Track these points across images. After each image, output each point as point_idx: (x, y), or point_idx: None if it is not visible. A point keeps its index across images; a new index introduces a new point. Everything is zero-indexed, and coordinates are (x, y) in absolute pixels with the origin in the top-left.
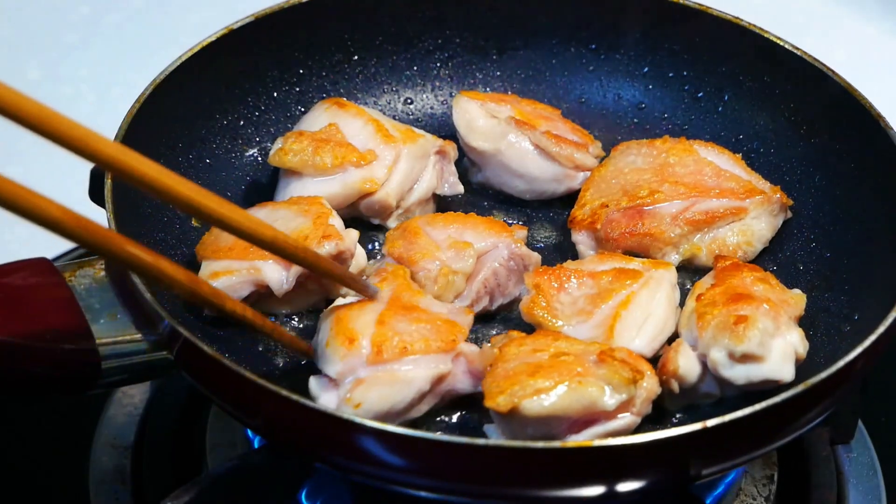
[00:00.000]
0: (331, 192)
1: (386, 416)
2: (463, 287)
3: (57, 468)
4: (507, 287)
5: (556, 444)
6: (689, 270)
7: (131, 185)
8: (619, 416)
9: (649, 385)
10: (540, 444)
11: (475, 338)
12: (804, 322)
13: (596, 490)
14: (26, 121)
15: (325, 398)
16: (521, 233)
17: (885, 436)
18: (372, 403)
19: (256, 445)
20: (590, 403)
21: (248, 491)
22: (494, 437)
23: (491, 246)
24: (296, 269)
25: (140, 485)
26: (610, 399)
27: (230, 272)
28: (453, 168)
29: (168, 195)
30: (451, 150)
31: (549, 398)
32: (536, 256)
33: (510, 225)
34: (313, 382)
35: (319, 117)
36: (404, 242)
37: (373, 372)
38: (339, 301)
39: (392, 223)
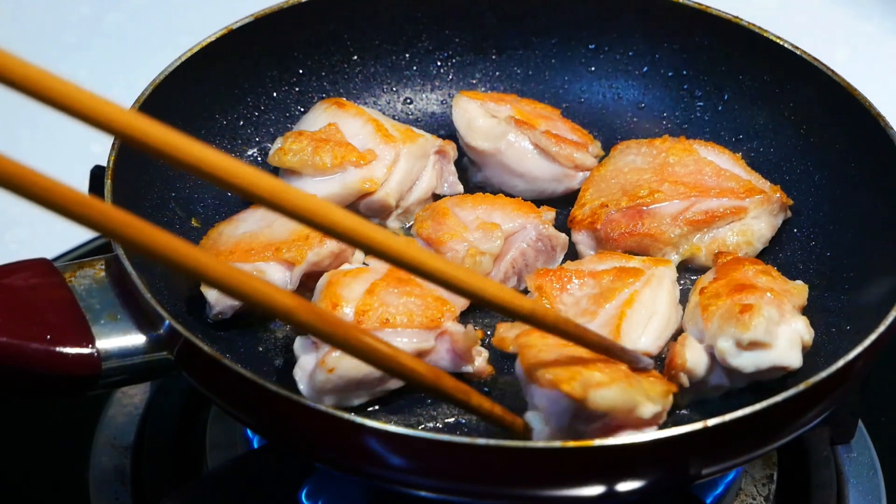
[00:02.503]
0: (330, 192)
1: (360, 385)
2: (491, 268)
3: (57, 468)
4: (535, 268)
5: (557, 444)
6: (689, 270)
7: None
8: (646, 427)
9: (671, 399)
10: (540, 444)
11: (484, 325)
12: None
13: (596, 490)
14: (36, 92)
15: (305, 359)
16: (549, 214)
17: (885, 436)
18: (345, 370)
19: (256, 445)
20: (634, 406)
21: (248, 491)
22: (536, 425)
23: (519, 227)
24: (299, 269)
25: (140, 485)
26: (648, 408)
27: None
28: (453, 168)
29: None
30: (451, 149)
31: (609, 392)
32: (564, 237)
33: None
34: (298, 343)
35: (319, 117)
36: (433, 223)
37: None
38: (345, 267)
39: (392, 223)
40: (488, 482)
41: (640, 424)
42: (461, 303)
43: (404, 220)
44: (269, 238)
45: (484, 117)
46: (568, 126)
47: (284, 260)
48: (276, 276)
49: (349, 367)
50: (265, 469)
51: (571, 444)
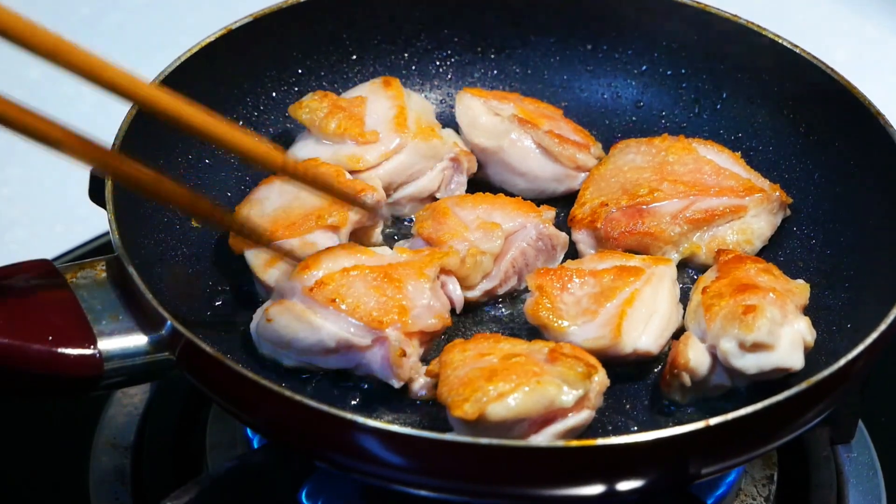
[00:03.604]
0: (322, 158)
1: (289, 345)
2: (491, 267)
3: (57, 468)
4: (535, 267)
5: (558, 443)
6: (690, 269)
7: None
8: (576, 412)
9: (601, 378)
10: (541, 444)
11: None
12: None
13: (596, 489)
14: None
15: (265, 305)
16: (549, 213)
17: (885, 436)
18: (279, 326)
19: (256, 445)
20: (549, 402)
21: (248, 491)
22: None
23: (519, 226)
24: (344, 231)
25: (140, 485)
26: (567, 396)
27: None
28: (464, 179)
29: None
30: (467, 161)
31: (513, 400)
32: (564, 236)
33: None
34: (276, 289)
35: (360, 89)
36: (433, 223)
37: (297, 301)
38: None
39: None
40: (488, 482)
41: (567, 412)
42: (429, 323)
43: (392, 211)
44: (303, 209)
45: (487, 115)
46: (570, 126)
47: (328, 226)
48: (326, 243)
49: (282, 323)
50: (265, 469)
51: (572, 443)
